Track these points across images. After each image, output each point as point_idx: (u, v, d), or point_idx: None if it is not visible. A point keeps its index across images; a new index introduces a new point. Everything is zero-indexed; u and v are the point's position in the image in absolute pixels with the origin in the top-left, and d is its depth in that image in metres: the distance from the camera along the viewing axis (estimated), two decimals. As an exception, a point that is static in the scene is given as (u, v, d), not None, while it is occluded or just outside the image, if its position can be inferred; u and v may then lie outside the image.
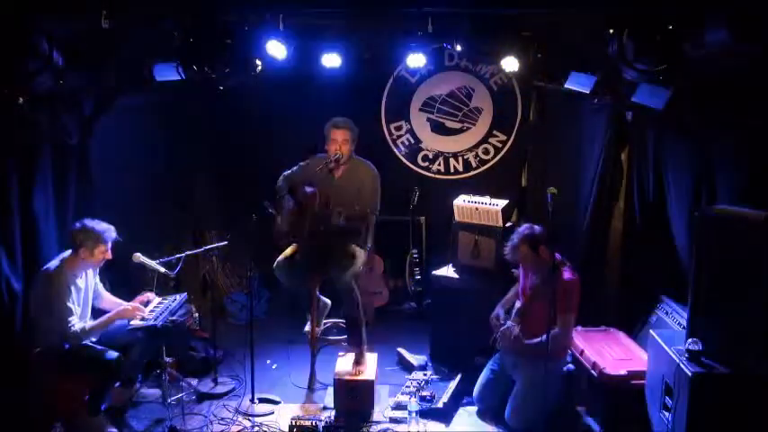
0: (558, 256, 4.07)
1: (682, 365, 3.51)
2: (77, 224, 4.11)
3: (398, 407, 4.44)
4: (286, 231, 4.67)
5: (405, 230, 6.12)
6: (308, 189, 4.57)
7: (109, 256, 4.19)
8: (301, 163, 4.85)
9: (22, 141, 4.23)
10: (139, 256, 4.39)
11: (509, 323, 4.20)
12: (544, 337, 3.95)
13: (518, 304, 4.35)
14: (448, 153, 6.40)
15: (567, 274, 4.14)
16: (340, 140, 4.66)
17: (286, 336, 5.49)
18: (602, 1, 4.09)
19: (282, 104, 6.08)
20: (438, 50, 5.37)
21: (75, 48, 4.20)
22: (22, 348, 4.09)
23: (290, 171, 4.83)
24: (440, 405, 4.44)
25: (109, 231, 4.14)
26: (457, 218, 5.25)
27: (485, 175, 6.33)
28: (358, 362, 4.61)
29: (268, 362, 5.22)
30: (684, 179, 4.39)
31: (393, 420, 4.34)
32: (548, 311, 3.83)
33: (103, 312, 4.35)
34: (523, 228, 4.29)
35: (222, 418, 4.39)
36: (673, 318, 4.55)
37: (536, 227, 4.24)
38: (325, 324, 5.04)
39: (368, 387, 4.46)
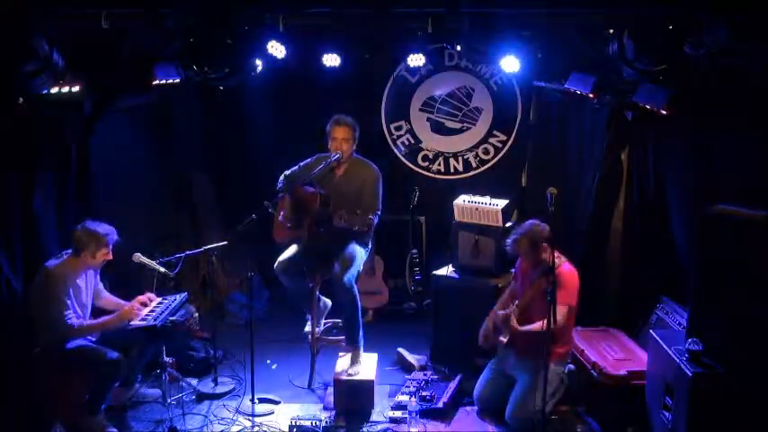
0: (557, 253, 4.08)
1: (682, 365, 3.51)
2: (79, 226, 4.11)
3: (398, 407, 4.44)
4: (286, 230, 4.67)
5: (405, 230, 6.12)
6: (308, 189, 4.56)
7: (110, 257, 4.19)
8: (302, 162, 4.85)
9: (22, 141, 4.23)
10: (139, 256, 4.39)
11: (507, 311, 4.21)
12: (538, 324, 3.94)
13: (516, 302, 4.32)
14: (448, 153, 6.40)
15: (565, 266, 4.15)
16: (340, 138, 4.64)
17: (286, 336, 5.50)
18: (602, 1, 4.09)
19: (282, 104, 6.08)
20: (438, 50, 5.37)
21: (75, 48, 4.20)
22: (22, 348, 4.09)
23: (290, 171, 4.83)
24: (440, 405, 4.44)
25: (111, 234, 4.14)
26: (457, 218, 5.24)
27: (485, 175, 6.33)
28: (354, 361, 4.61)
29: (268, 362, 5.22)
30: (684, 179, 4.39)
31: (393, 420, 4.34)
32: (545, 308, 3.81)
33: (104, 312, 4.36)
34: (529, 223, 4.26)
35: (222, 418, 4.39)
36: (673, 318, 4.55)
37: (542, 224, 4.21)
38: (325, 324, 5.04)
39: (368, 387, 4.46)
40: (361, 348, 4.70)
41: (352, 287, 4.54)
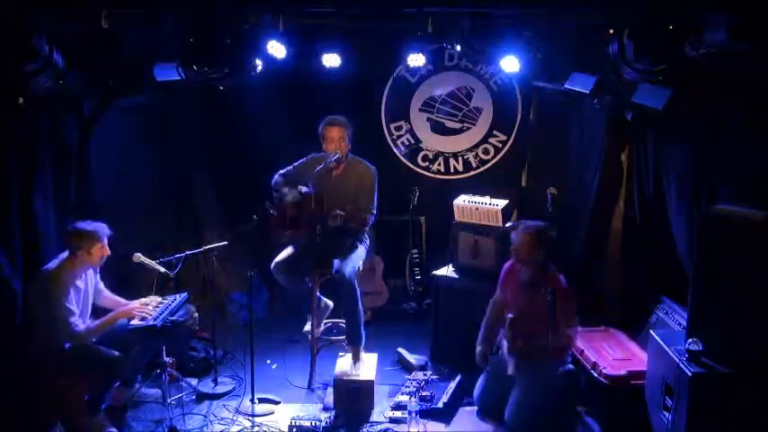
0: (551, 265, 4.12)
1: (682, 365, 3.51)
2: (69, 228, 4.11)
3: (398, 407, 4.44)
4: (283, 229, 4.68)
5: (405, 230, 6.12)
6: (305, 189, 4.56)
7: (107, 252, 4.19)
8: (296, 163, 4.85)
9: (22, 141, 4.23)
10: (139, 256, 4.39)
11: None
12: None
13: (509, 315, 4.27)
14: (448, 153, 6.40)
15: (562, 280, 4.13)
16: (336, 138, 4.66)
17: (286, 336, 5.50)
18: (602, 1, 4.09)
19: (282, 104, 6.08)
20: (438, 50, 5.36)
21: (75, 48, 4.20)
22: (22, 348, 4.09)
23: (285, 170, 4.83)
24: (440, 405, 4.44)
25: (101, 229, 4.14)
26: (457, 218, 5.25)
27: (485, 175, 6.33)
28: (356, 360, 4.61)
29: (268, 362, 5.22)
30: (684, 179, 4.38)
31: (393, 420, 4.34)
32: (545, 312, 3.79)
33: (104, 311, 4.36)
34: (539, 222, 4.21)
35: (222, 418, 4.39)
36: (673, 318, 4.55)
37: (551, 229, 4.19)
38: (325, 324, 5.04)
39: (368, 387, 4.47)
40: (362, 346, 4.70)
41: (352, 282, 4.55)
